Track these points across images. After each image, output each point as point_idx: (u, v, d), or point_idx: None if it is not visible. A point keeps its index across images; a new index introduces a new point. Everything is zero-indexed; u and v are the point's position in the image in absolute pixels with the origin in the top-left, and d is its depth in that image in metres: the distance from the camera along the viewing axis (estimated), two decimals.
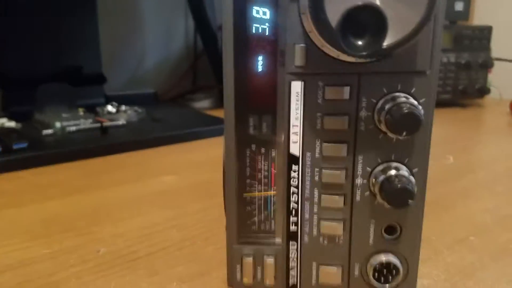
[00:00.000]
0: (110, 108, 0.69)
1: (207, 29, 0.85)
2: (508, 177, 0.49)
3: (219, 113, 0.68)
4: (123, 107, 0.70)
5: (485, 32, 0.88)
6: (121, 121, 0.65)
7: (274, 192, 0.26)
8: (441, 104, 0.88)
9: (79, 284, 0.29)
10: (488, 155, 0.61)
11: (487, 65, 0.88)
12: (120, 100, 0.74)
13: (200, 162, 0.53)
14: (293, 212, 0.26)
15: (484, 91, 0.89)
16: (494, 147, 0.64)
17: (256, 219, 0.27)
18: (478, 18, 1.12)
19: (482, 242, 0.34)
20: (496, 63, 0.90)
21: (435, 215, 0.39)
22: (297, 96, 0.24)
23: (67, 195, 0.43)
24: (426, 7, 0.20)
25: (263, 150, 0.26)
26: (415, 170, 0.24)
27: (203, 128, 0.64)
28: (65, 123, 0.61)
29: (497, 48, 0.92)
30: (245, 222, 0.27)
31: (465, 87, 0.88)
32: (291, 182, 0.25)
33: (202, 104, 0.92)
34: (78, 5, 0.73)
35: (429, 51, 0.22)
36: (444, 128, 0.73)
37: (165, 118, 0.69)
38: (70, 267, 0.31)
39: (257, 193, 0.26)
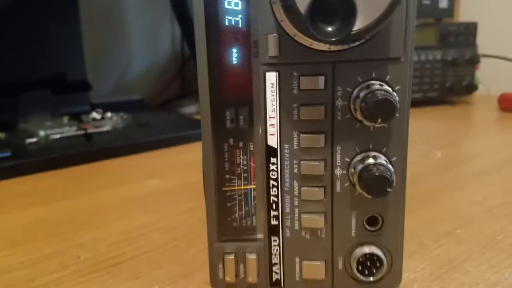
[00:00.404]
0: (95, 115, 0.69)
1: (193, 33, 0.84)
2: (496, 169, 0.49)
3: None
4: (108, 114, 0.70)
5: (470, 28, 0.89)
6: (106, 128, 0.64)
7: (254, 185, 0.26)
8: (428, 102, 0.88)
9: None
10: (477, 149, 0.60)
11: (473, 61, 0.88)
12: (106, 107, 0.73)
13: (185, 165, 0.53)
14: (274, 206, 0.25)
15: (471, 87, 0.89)
16: (483, 141, 0.64)
17: (237, 215, 0.26)
18: (463, 15, 1.13)
19: (469, 234, 0.33)
20: (483, 59, 0.91)
21: (421, 209, 0.38)
22: (272, 87, 0.24)
23: (49, 202, 0.43)
24: None
25: (241, 144, 0.26)
26: (393, 159, 0.24)
27: (189, 131, 0.63)
28: (49, 131, 0.60)
29: (483, 44, 0.92)
30: (225, 219, 0.26)
31: (452, 84, 0.88)
32: (270, 175, 0.25)
33: (191, 109, 0.91)
34: (60, 11, 0.73)
35: (402, 37, 0.22)
36: (432, 125, 0.73)
37: (151, 123, 0.69)
38: (50, 273, 0.30)
39: (236, 187, 0.26)
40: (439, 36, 0.87)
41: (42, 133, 0.60)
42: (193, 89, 1.00)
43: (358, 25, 0.20)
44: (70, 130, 0.61)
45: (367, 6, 0.20)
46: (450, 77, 0.88)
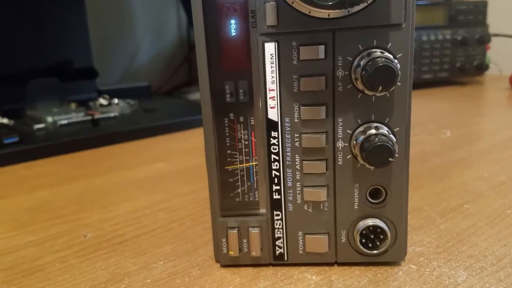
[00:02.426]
0: (102, 101, 0.69)
1: None
2: (505, 146, 0.48)
3: None
4: (115, 100, 0.70)
5: (480, 7, 0.87)
6: (113, 113, 0.64)
7: (255, 161, 0.25)
8: (438, 82, 0.86)
9: (63, 267, 0.28)
10: (486, 127, 0.60)
11: (484, 40, 0.87)
12: (113, 94, 0.73)
13: (190, 149, 0.53)
14: (276, 180, 0.25)
15: (482, 67, 0.88)
16: (493, 120, 0.63)
17: (239, 190, 0.26)
18: None
19: (477, 209, 0.33)
20: (495, 39, 0.89)
21: (429, 185, 0.38)
22: (271, 58, 0.23)
23: (55, 185, 0.43)
24: None
25: (241, 118, 0.25)
26: (396, 129, 0.23)
27: (194, 117, 0.63)
28: (56, 117, 0.60)
29: (495, 23, 0.90)
30: (228, 194, 0.26)
31: (462, 64, 0.86)
32: (272, 149, 0.25)
33: (197, 95, 0.91)
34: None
35: (402, 4, 0.22)
36: (441, 105, 0.72)
37: (158, 109, 0.69)
38: (55, 252, 0.30)
39: (238, 162, 0.26)
40: (449, 15, 0.85)
41: (49, 119, 0.60)
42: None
43: None
44: (78, 116, 0.62)
45: None
46: (460, 57, 0.87)
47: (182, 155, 0.51)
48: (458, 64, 0.86)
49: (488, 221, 0.31)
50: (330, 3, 0.19)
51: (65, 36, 0.74)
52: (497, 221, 0.31)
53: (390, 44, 0.22)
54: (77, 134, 0.56)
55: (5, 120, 0.60)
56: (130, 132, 0.58)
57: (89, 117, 0.61)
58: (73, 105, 0.67)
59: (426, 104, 0.73)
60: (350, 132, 0.24)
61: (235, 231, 0.26)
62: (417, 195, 0.36)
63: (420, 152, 0.47)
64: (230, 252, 0.26)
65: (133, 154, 0.53)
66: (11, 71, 0.69)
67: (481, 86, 0.88)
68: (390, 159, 0.22)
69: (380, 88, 0.21)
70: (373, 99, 0.23)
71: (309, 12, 0.22)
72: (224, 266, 0.27)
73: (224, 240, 0.26)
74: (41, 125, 0.58)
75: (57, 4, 0.71)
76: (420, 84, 0.85)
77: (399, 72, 0.21)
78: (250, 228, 0.26)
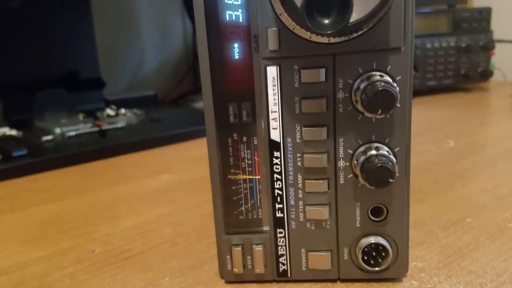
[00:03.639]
0: (109, 111, 0.70)
1: None
2: (509, 156, 0.48)
3: None
4: (122, 110, 0.71)
5: (484, 14, 0.87)
6: (120, 124, 0.65)
7: (259, 179, 0.26)
8: (443, 89, 0.87)
9: (72, 284, 0.29)
10: (490, 136, 0.60)
11: (488, 47, 0.87)
12: (120, 104, 0.74)
13: (197, 160, 0.53)
14: (278, 199, 0.26)
15: (487, 74, 0.88)
16: (496, 128, 0.63)
17: (243, 208, 0.27)
18: (477, 0, 1.11)
19: (478, 223, 0.33)
20: (499, 45, 0.89)
21: (432, 198, 0.38)
22: (273, 81, 0.24)
23: (63, 198, 0.44)
24: None
25: (245, 138, 0.26)
26: (396, 149, 0.24)
27: (201, 126, 0.64)
28: (64, 129, 0.61)
29: (499, 29, 0.90)
30: (232, 212, 0.27)
31: (467, 71, 0.87)
32: (274, 168, 0.25)
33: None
34: (72, 9, 0.74)
35: (401, 27, 0.22)
36: (446, 112, 0.72)
37: (164, 118, 0.70)
38: (64, 268, 0.31)
39: (242, 181, 0.26)
40: (453, 22, 0.86)
41: (58, 130, 0.61)
42: None
43: (355, 16, 0.20)
44: (85, 127, 0.63)
45: None
46: (464, 64, 0.87)
47: (188, 165, 0.52)
48: (462, 70, 0.87)
49: (489, 235, 0.31)
50: (329, 31, 0.19)
51: (73, 46, 0.75)
52: (498, 235, 0.31)
53: (389, 67, 0.23)
54: (85, 145, 0.57)
55: (13, 132, 0.61)
56: (137, 143, 0.59)
57: (96, 128, 0.62)
58: (80, 116, 0.68)
59: (430, 112, 0.73)
60: (351, 152, 0.24)
61: (239, 248, 0.26)
62: (420, 208, 0.36)
63: (424, 163, 0.47)
64: (234, 269, 0.27)
65: (140, 165, 0.54)
66: (19, 82, 0.70)
67: (485, 93, 0.88)
68: (390, 180, 0.22)
69: (379, 112, 0.22)
70: (373, 120, 0.24)
71: (310, 37, 0.22)
72: (228, 282, 0.27)
73: (228, 257, 0.27)
74: (49, 137, 0.59)
75: (65, 15, 0.73)
76: (424, 91, 0.85)
77: (398, 96, 0.22)
78: (254, 245, 0.26)
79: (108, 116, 0.69)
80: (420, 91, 0.85)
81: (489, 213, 0.35)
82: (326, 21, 0.20)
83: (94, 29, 0.76)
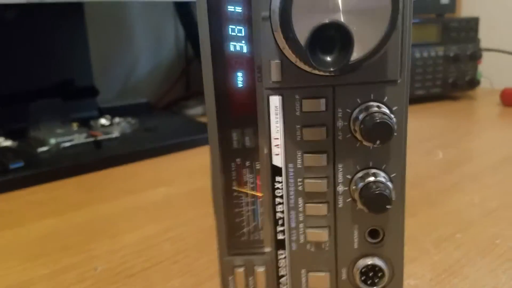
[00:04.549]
0: (103, 121, 0.70)
1: (196, 34, 0.85)
2: (496, 168, 0.50)
3: None
4: (116, 119, 0.71)
5: (472, 24, 0.89)
6: (115, 134, 0.65)
7: (261, 202, 0.27)
8: (431, 98, 0.88)
9: None
10: (478, 146, 0.61)
11: (475, 56, 0.89)
12: (113, 111, 0.74)
13: (192, 171, 0.54)
14: (280, 222, 0.27)
15: (474, 82, 0.90)
16: (484, 139, 0.65)
17: (245, 230, 0.28)
18: (465, 10, 1.13)
19: (468, 239, 0.35)
20: (486, 53, 0.91)
21: (422, 212, 0.39)
22: (276, 110, 0.25)
23: (62, 212, 0.44)
24: (389, 22, 0.20)
25: (247, 163, 0.27)
26: (393, 175, 0.25)
27: (196, 136, 0.64)
28: (59, 139, 0.61)
29: (486, 38, 0.93)
30: (234, 234, 0.28)
31: (455, 80, 0.89)
32: (276, 193, 0.26)
33: (196, 110, 0.93)
34: (66, 18, 0.74)
35: (398, 61, 0.23)
36: (434, 122, 0.74)
37: (158, 127, 0.70)
38: (68, 286, 0.31)
39: (244, 204, 0.27)
40: (441, 32, 0.88)
41: (53, 141, 0.61)
42: (197, 90, 1.02)
43: (355, 55, 0.21)
44: (80, 138, 0.63)
45: (363, 37, 0.21)
46: (452, 73, 0.89)
47: (185, 177, 0.53)
48: (450, 79, 0.88)
49: (478, 251, 0.33)
50: (331, 69, 0.20)
51: (67, 55, 0.75)
52: (487, 251, 0.33)
53: (386, 98, 0.24)
54: (81, 156, 0.58)
55: (9, 143, 0.62)
56: (132, 154, 0.59)
57: (91, 139, 0.63)
58: (75, 125, 0.68)
59: (419, 121, 0.75)
60: (350, 177, 0.25)
61: (242, 269, 0.27)
62: (411, 222, 0.37)
63: (414, 176, 0.49)
64: None
65: (137, 177, 0.55)
66: (13, 92, 0.70)
67: (473, 101, 0.90)
68: (387, 207, 0.23)
69: (378, 142, 0.23)
70: (371, 148, 0.25)
71: (311, 70, 0.23)
72: None
73: (230, 278, 0.27)
74: (44, 148, 0.60)
75: (59, 24, 0.73)
76: (413, 100, 0.87)
77: (396, 127, 0.23)
78: (256, 267, 0.27)
79: (102, 125, 0.70)
80: (408, 100, 0.87)
81: (478, 228, 0.36)
82: (328, 59, 0.21)
83: (88, 37, 0.77)
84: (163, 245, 0.36)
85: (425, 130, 0.68)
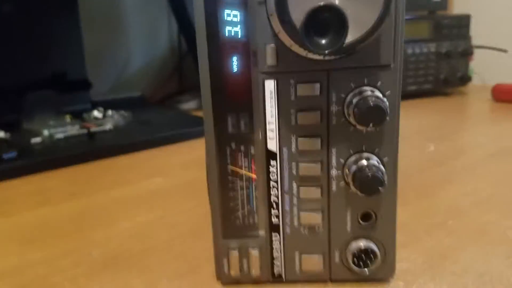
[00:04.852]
0: (96, 113, 0.70)
1: (190, 29, 0.86)
2: (487, 161, 0.50)
3: None
4: (109, 112, 0.71)
5: (463, 21, 0.90)
6: (108, 126, 0.65)
7: (255, 186, 0.27)
8: (423, 94, 0.89)
9: (72, 287, 0.30)
10: (469, 141, 0.62)
11: (467, 53, 0.90)
12: (106, 105, 0.74)
13: (186, 162, 0.54)
14: (274, 205, 0.27)
15: (465, 79, 0.91)
16: (476, 133, 0.66)
17: (240, 214, 0.28)
18: (457, 7, 1.14)
19: (460, 225, 0.35)
20: (477, 50, 0.92)
21: (415, 202, 0.40)
22: (271, 94, 0.25)
23: (57, 202, 0.44)
24: (382, 6, 0.21)
25: (242, 147, 0.27)
26: (385, 159, 0.25)
27: (189, 129, 0.65)
28: (52, 131, 0.61)
29: (478, 35, 0.93)
30: (229, 218, 0.28)
31: (446, 76, 0.89)
32: (270, 176, 0.27)
33: (189, 105, 0.93)
34: (60, 11, 0.74)
35: (391, 46, 0.24)
36: (426, 117, 0.75)
37: (152, 120, 0.70)
38: (63, 271, 0.32)
39: (239, 188, 0.28)
40: (433, 28, 0.88)
41: (46, 132, 0.61)
42: (191, 84, 1.02)
43: (349, 38, 0.21)
44: (73, 129, 0.63)
45: (358, 20, 0.21)
46: (444, 69, 0.89)
47: (178, 169, 0.53)
48: (442, 76, 0.89)
49: (471, 237, 0.33)
50: (326, 51, 0.21)
51: (60, 48, 0.75)
52: (479, 237, 0.33)
53: (379, 82, 0.24)
54: (74, 148, 0.58)
55: (2, 134, 0.61)
56: (125, 146, 0.59)
57: (85, 131, 0.63)
58: (68, 117, 0.68)
59: (411, 116, 0.75)
60: (343, 161, 0.26)
61: (236, 252, 0.28)
62: (403, 211, 0.38)
63: (406, 168, 0.49)
64: (231, 272, 0.28)
65: (130, 168, 0.55)
66: (6, 84, 0.69)
67: (464, 97, 0.91)
68: (380, 189, 0.24)
69: (371, 125, 0.23)
70: (364, 132, 0.25)
71: (306, 54, 0.24)
72: (225, 284, 0.29)
73: (225, 260, 0.28)
74: (38, 139, 0.60)
75: (52, 17, 0.73)
76: (405, 96, 0.88)
77: (388, 111, 0.23)
78: (250, 249, 0.28)
79: (95, 118, 0.70)
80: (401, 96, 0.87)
81: (470, 216, 0.37)
82: (323, 41, 0.21)
83: (81, 30, 0.77)
84: (158, 231, 0.36)
85: (417, 125, 0.69)
